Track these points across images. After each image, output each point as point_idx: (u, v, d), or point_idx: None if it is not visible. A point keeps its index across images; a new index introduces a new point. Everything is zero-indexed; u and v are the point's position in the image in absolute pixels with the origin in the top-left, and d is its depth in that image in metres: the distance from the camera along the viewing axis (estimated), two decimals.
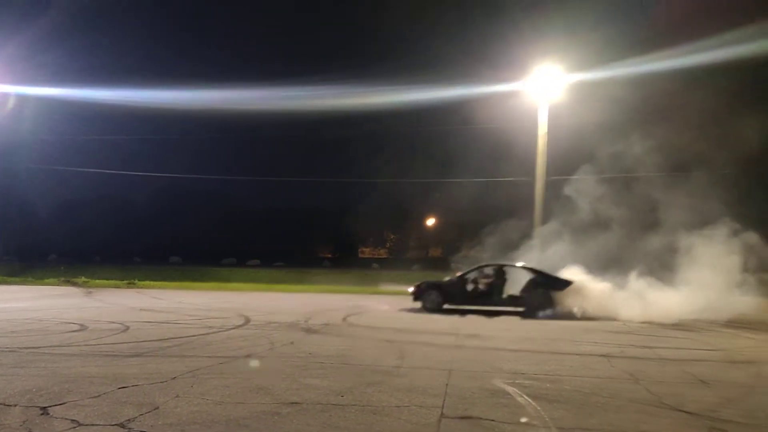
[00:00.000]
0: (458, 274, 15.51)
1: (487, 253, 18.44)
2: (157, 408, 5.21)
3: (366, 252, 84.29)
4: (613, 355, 8.63)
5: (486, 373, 7.13)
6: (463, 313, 14.27)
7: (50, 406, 5.19)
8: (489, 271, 15.50)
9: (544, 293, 14.11)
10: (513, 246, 18.71)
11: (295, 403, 5.56)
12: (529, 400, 5.79)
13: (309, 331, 10.75)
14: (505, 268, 15.35)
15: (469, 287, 15.17)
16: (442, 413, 5.30)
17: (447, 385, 6.41)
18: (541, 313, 13.78)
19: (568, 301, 13.86)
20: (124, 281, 23.92)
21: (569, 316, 13.59)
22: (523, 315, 14.04)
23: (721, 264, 13.73)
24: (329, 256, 77.57)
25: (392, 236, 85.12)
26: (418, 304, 15.01)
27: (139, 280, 24.29)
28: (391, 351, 8.66)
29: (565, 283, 14.20)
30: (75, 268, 31.33)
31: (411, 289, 15.34)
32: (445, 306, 14.83)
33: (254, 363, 7.54)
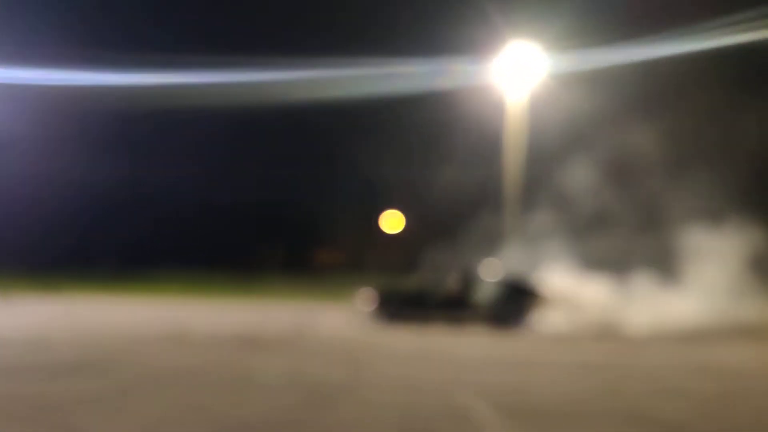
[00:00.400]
0: (419, 281, 14.78)
1: (456, 256, 17.76)
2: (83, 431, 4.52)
3: (322, 255, 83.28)
4: (587, 366, 8.40)
5: (452, 386, 6.68)
6: (425, 322, 13.57)
7: None
8: (453, 277, 14.48)
9: (511, 302, 13.52)
10: (486, 248, 18.16)
11: (240, 422, 4.93)
12: (496, 414, 5.33)
13: (256, 344, 10.22)
14: (471, 275, 14.42)
15: (432, 295, 14.10)
16: (401, 429, 4.78)
17: (408, 400, 5.90)
18: (509, 323, 13.22)
19: (538, 309, 13.41)
20: (46, 288, 22.31)
21: (540, 326, 13.16)
22: (490, 324, 13.41)
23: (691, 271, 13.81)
24: (281, 260, 76.17)
25: (352, 239, 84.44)
26: (375, 314, 13.96)
27: (64, 287, 22.60)
28: (348, 365, 8.14)
29: (535, 292, 13.68)
30: None
31: (367, 298, 14.24)
32: (405, 316, 13.78)
33: (193, 379, 6.87)
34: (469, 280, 14.24)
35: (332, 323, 13.49)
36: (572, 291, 13.92)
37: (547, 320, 13.20)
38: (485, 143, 21.54)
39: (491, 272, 14.70)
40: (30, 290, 22.20)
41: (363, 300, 14.28)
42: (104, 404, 5.49)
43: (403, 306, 13.93)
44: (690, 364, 8.53)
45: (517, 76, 19.41)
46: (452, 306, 13.85)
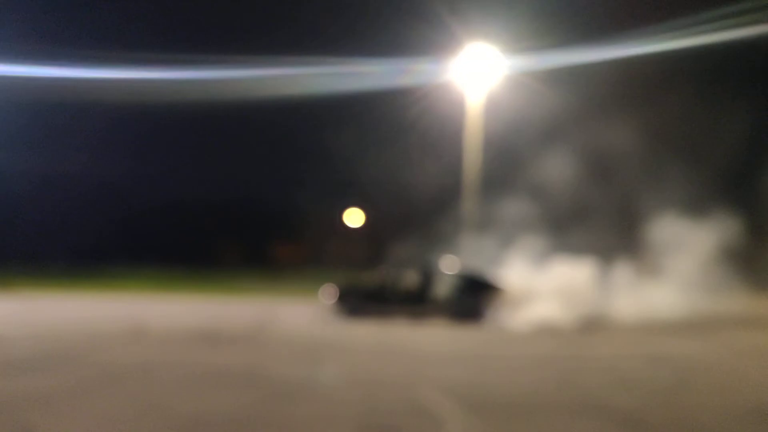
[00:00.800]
0: (379, 276, 14.86)
1: (417, 251, 17.95)
2: (33, 430, 4.43)
3: (284, 251, 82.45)
4: (543, 359, 8.65)
5: (411, 381, 6.78)
6: (384, 317, 13.67)
7: None
8: (413, 272, 14.69)
9: (470, 297, 13.73)
10: (444, 244, 18.44)
11: (197, 420, 4.91)
12: (457, 409, 5.45)
13: (217, 340, 10.06)
14: (430, 270, 14.62)
15: (391, 290, 14.32)
16: (359, 425, 4.85)
17: (368, 395, 5.98)
18: (467, 317, 13.41)
19: (496, 304, 13.65)
20: None
21: (498, 320, 13.36)
22: (449, 319, 13.61)
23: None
24: (240, 256, 75.11)
25: (314, 235, 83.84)
26: (336, 309, 14.07)
27: (15, 285, 21.85)
28: (308, 360, 8.16)
29: (493, 287, 13.92)
30: None
31: (328, 294, 14.39)
32: (366, 311, 13.94)
33: (151, 377, 6.80)
34: (428, 275, 14.43)
35: (293, 319, 13.44)
36: (530, 284, 14.24)
37: (505, 314, 13.46)
38: (446, 141, 21.87)
39: (451, 267, 14.95)
40: None
41: (324, 295, 14.33)
42: (59, 401, 5.39)
43: (364, 301, 14.05)
44: (647, 355, 8.86)
45: (476, 76, 19.89)
46: (412, 300, 14.06)
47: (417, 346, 9.48)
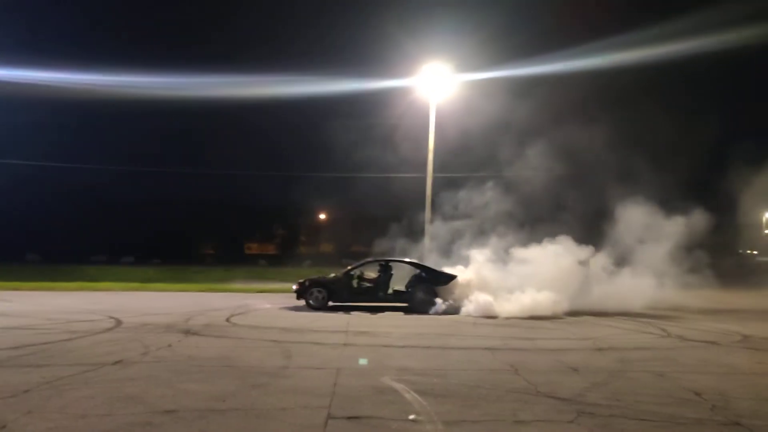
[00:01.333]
0: (343, 270, 15.39)
1: (380, 248, 18.52)
2: (5, 427, 4.59)
3: (253, 248, 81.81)
4: (496, 347, 8.99)
5: (374, 370, 7.11)
6: (348, 310, 14.14)
7: None
8: (374, 267, 15.51)
9: (427, 288, 14.36)
10: (407, 241, 19.01)
11: (171, 411, 5.17)
12: (417, 396, 5.83)
13: (188, 333, 10.11)
14: (390, 264, 15.40)
15: (355, 284, 15.03)
16: (329, 414, 5.17)
17: (335, 384, 6.30)
18: (425, 308, 13.97)
19: (452, 295, 14.25)
20: None
21: (455, 310, 13.88)
22: (408, 310, 14.18)
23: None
24: (212, 252, 74.38)
25: (281, 231, 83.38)
26: (303, 302, 14.63)
27: None
28: (277, 351, 8.39)
29: (449, 278, 14.58)
30: None
31: (294, 287, 14.93)
32: (330, 303, 14.57)
33: (125, 370, 6.92)
34: (387, 270, 15.11)
35: (260, 310, 13.57)
36: (483, 278, 14.79)
37: (457, 304, 13.99)
38: (408, 146, 22.97)
39: (407, 262, 15.79)
40: None
41: (294, 289, 14.87)
42: (44, 393, 5.53)
43: (328, 294, 14.58)
44: (588, 343, 9.37)
45: (433, 89, 21.94)
46: (373, 293, 14.75)
47: (384, 333, 9.72)
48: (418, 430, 4.78)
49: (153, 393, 5.78)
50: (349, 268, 15.45)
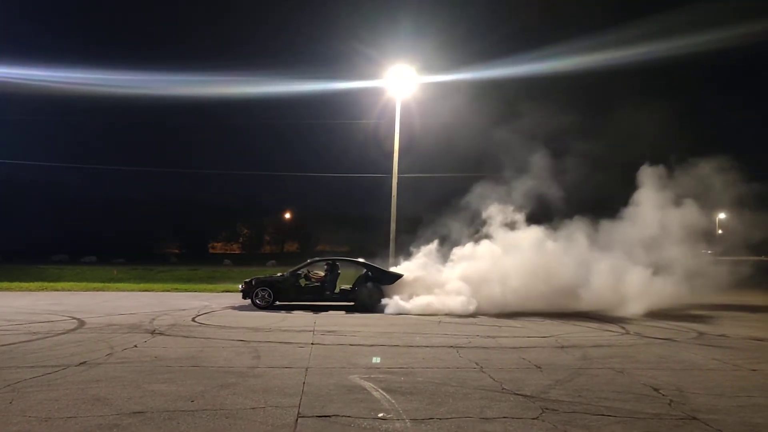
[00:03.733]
0: (290, 269, 15.37)
1: (344, 247, 18.60)
2: None
3: (218, 247, 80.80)
4: (461, 345, 9.16)
5: (343, 369, 7.18)
6: (291, 309, 14.18)
7: None
8: (321, 265, 15.65)
9: (374, 287, 14.48)
10: (369, 239, 19.15)
11: (138, 412, 5.13)
12: (385, 394, 5.92)
13: (154, 333, 10.00)
14: (337, 263, 15.60)
15: (301, 283, 15.10)
16: (299, 413, 5.22)
17: (304, 383, 6.35)
18: (371, 307, 14.15)
19: (398, 294, 14.43)
20: None
21: (393, 309, 14.00)
22: (353, 309, 14.31)
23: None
24: (176, 251, 73.12)
25: (246, 231, 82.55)
26: (252, 300, 14.56)
27: None
28: (245, 351, 8.38)
29: (395, 277, 14.76)
30: None
31: (241, 287, 14.90)
32: (277, 303, 14.59)
33: (90, 371, 6.82)
34: (334, 269, 15.29)
35: (226, 310, 13.44)
36: (429, 278, 15.02)
37: (401, 303, 14.13)
38: (376, 148, 23.42)
39: (354, 261, 15.96)
40: None
41: (241, 288, 14.93)
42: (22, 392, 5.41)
43: (276, 293, 14.60)
44: (551, 340, 9.63)
45: (398, 90, 22.56)
46: (320, 291, 14.88)
47: (350, 332, 9.81)
48: (387, 428, 4.86)
49: (119, 394, 5.72)
50: (295, 267, 15.45)
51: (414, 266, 15.61)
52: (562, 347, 9.13)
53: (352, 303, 14.57)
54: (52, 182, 66.11)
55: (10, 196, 62.33)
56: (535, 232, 15.75)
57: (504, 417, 5.20)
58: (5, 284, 20.46)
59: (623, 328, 11.62)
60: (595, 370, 7.29)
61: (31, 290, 19.47)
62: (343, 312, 13.92)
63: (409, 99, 22.92)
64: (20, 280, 22.01)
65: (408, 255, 16.64)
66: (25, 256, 47.84)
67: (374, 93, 23.61)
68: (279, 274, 15.35)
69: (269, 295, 14.56)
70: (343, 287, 15.16)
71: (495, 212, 16.27)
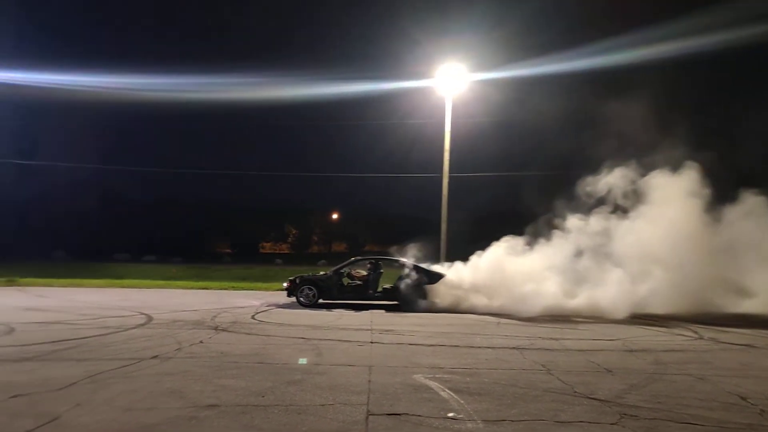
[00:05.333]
0: (333, 268, 15.45)
1: (392, 247, 18.50)
2: (58, 418, 4.69)
3: (267, 247, 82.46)
4: (523, 347, 8.96)
5: (406, 368, 7.13)
6: (331, 307, 14.30)
7: None
8: (363, 264, 15.66)
9: (416, 286, 14.36)
10: (418, 239, 18.95)
11: (213, 405, 5.24)
12: (452, 394, 5.84)
13: (217, 329, 10.24)
14: (380, 262, 15.59)
15: (344, 281, 15.18)
16: (368, 410, 5.21)
17: (369, 381, 6.34)
18: (414, 306, 14.06)
19: (441, 293, 14.31)
20: (2, 279, 21.61)
21: (438, 308, 13.99)
22: (396, 308, 14.26)
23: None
24: (229, 251, 75.07)
25: (294, 231, 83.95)
26: (296, 298, 14.72)
27: (19, 277, 22.03)
28: (307, 348, 8.45)
29: (438, 277, 14.59)
30: None
31: (285, 284, 15.05)
32: (320, 301, 14.70)
33: (162, 365, 7.03)
34: (377, 267, 15.29)
35: (284, 308, 13.64)
36: (467, 277, 14.78)
37: (445, 303, 14.11)
38: (426, 147, 23.19)
39: (397, 260, 15.59)
40: None
41: (284, 286, 15.13)
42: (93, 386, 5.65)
43: (318, 291, 14.73)
44: (618, 344, 9.31)
45: (449, 89, 22.27)
46: (363, 290, 14.94)
47: (409, 331, 9.78)
48: (459, 429, 4.78)
49: (193, 388, 5.86)
50: (338, 266, 15.53)
51: (464, 266, 15.34)
52: (632, 351, 8.80)
53: (395, 302, 14.52)
54: (110, 184, 69.01)
55: (74, 198, 65.49)
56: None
57: (580, 421, 5.03)
58: (77, 281, 21.49)
59: (695, 332, 11.10)
60: (672, 376, 6.97)
61: (99, 287, 20.36)
62: (397, 312, 13.88)
63: (460, 96, 22.55)
64: (89, 277, 23.05)
65: (466, 254, 16.32)
66: (90, 255, 50.21)
67: (424, 92, 23.43)
68: (322, 273, 15.50)
69: (314, 294, 14.70)
70: (385, 286, 15.14)
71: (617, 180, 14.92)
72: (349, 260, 16.08)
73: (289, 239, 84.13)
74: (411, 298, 14.28)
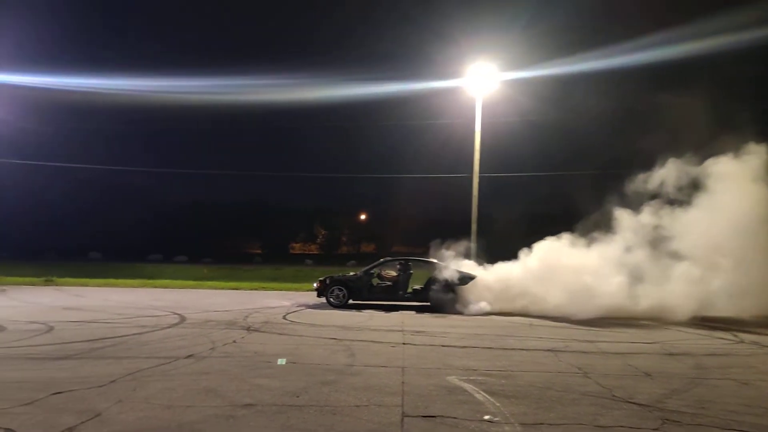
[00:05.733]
0: (363, 269, 15.42)
1: (421, 248, 18.43)
2: (99, 415, 4.78)
3: (296, 248, 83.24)
4: (558, 349, 8.82)
5: (439, 370, 7.08)
6: (361, 308, 14.27)
7: None
8: (393, 265, 15.54)
9: (447, 287, 14.21)
10: (449, 240, 18.82)
11: (249, 405, 5.28)
12: (487, 396, 5.77)
13: (249, 329, 10.34)
14: (409, 263, 15.47)
15: (374, 282, 15.13)
16: (403, 412, 5.18)
17: (403, 383, 6.31)
18: (445, 307, 13.96)
19: (472, 295, 14.15)
20: (41, 278, 22.25)
21: (468, 310, 13.82)
22: (426, 309, 14.18)
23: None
24: (259, 251, 76.02)
25: (323, 232, 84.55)
26: (326, 298, 14.74)
27: (57, 277, 22.66)
28: (339, 349, 8.47)
29: (469, 278, 14.41)
30: None
31: (315, 285, 15.07)
32: (350, 301, 14.68)
33: (197, 364, 7.12)
34: (407, 268, 15.18)
35: (315, 308, 13.73)
36: (498, 279, 14.60)
37: (476, 305, 13.91)
38: (455, 148, 23.04)
39: (427, 261, 15.42)
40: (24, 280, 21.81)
41: (314, 286, 15.18)
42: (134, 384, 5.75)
43: (348, 292, 14.73)
44: (656, 347, 9.09)
45: (479, 88, 22.06)
46: (393, 291, 14.88)
47: (440, 332, 9.73)
48: (497, 431, 4.72)
49: (228, 387, 5.92)
50: (368, 266, 15.50)
51: (505, 266, 15.20)
52: (671, 354, 8.58)
53: (425, 303, 14.47)
54: (143, 186, 70.61)
55: (107, 199, 67.13)
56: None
57: (620, 426, 4.91)
58: (111, 280, 21.99)
59: (735, 335, 10.78)
60: (715, 381, 6.77)
61: (133, 287, 20.79)
62: (428, 313, 13.82)
63: (490, 96, 22.43)
64: (123, 277, 23.56)
65: (498, 256, 16.14)
66: (124, 255, 51.42)
67: (454, 92, 23.31)
68: (352, 273, 15.48)
69: (344, 294, 14.71)
70: (415, 287, 15.07)
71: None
72: (379, 261, 16.07)
73: (318, 240, 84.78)
74: (441, 299, 14.19)
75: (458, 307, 13.97)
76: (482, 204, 22.15)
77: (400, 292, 14.89)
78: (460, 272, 14.70)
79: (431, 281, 14.64)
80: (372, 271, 15.33)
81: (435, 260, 15.30)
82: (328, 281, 14.97)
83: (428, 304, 14.43)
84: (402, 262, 15.56)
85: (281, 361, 7.45)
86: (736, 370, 7.49)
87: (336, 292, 14.78)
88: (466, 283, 14.36)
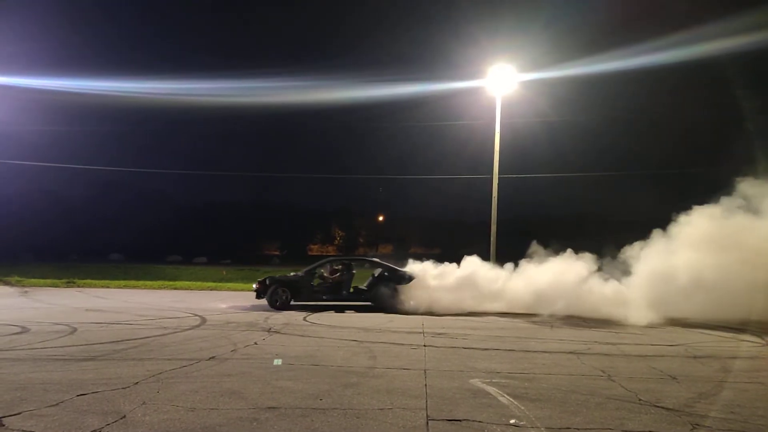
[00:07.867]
0: (305, 269, 15.29)
1: (436, 249, 18.52)
2: (124, 417, 4.81)
3: (314, 249, 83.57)
4: (580, 352, 8.72)
5: (461, 372, 7.03)
6: (313, 309, 14.23)
7: (4, 417, 4.71)
8: (336, 265, 15.54)
9: (388, 286, 14.35)
10: (465, 241, 18.83)
11: (273, 407, 5.28)
12: (512, 399, 5.71)
13: (270, 331, 10.38)
14: (352, 263, 15.59)
15: (316, 282, 15.08)
16: (427, 415, 5.14)
17: (425, 385, 6.27)
18: (387, 307, 14.07)
19: (412, 294, 14.28)
20: (63, 280, 22.59)
21: (407, 308, 14.00)
22: (370, 309, 14.26)
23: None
24: (277, 253, 76.45)
25: (341, 233, 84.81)
26: (266, 300, 14.48)
27: (78, 279, 22.99)
28: (360, 351, 8.45)
29: (409, 278, 14.52)
30: (4, 267, 29.34)
31: (255, 286, 14.73)
32: (293, 302, 14.51)
33: (220, 366, 7.15)
34: (349, 268, 15.28)
35: (333, 310, 13.76)
36: (438, 278, 14.77)
37: (415, 303, 14.12)
38: (474, 149, 23.01)
39: (368, 260, 15.96)
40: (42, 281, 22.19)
41: (253, 287, 14.92)
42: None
43: (291, 292, 14.59)
44: (680, 349, 8.93)
45: (499, 89, 22.06)
46: (336, 291, 14.91)
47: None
48: None
49: (251, 389, 5.92)
50: (310, 267, 15.41)
51: (429, 268, 15.25)
52: (695, 357, 8.43)
53: (367, 303, 14.59)
54: (164, 188, 71.48)
55: (128, 201, 68.01)
56: None
57: (649, 431, 4.82)
58: (132, 282, 22.24)
59: (762, 338, 10.56)
60: (743, 384, 6.63)
61: (154, 288, 21.02)
62: (451, 316, 13.74)
63: (510, 96, 22.31)
64: (144, 279, 23.83)
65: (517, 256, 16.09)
66: (144, 256, 52.02)
67: (473, 93, 23.23)
68: (292, 274, 15.35)
69: (286, 296, 14.50)
70: (357, 287, 15.12)
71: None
72: (321, 261, 16.01)
73: (336, 241, 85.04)
74: (383, 298, 14.29)
75: (399, 305, 14.07)
76: (500, 205, 22.02)
77: (343, 292, 14.88)
78: (401, 271, 14.87)
79: (374, 281, 14.73)
80: (314, 272, 15.24)
81: (377, 259, 15.71)
82: (268, 282, 14.66)
83: (370, 303, 14.51)
84: (345, 262, 15.66)
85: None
86: (765, 373, 7.35)
87: (279, 293, 14.47)
88: (408, 282, 14.48)
